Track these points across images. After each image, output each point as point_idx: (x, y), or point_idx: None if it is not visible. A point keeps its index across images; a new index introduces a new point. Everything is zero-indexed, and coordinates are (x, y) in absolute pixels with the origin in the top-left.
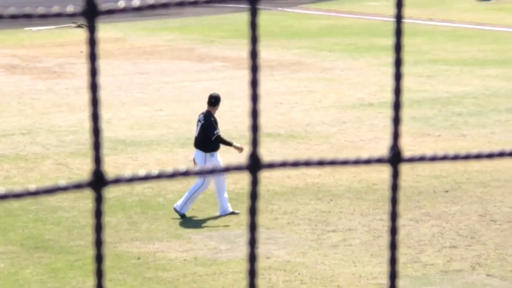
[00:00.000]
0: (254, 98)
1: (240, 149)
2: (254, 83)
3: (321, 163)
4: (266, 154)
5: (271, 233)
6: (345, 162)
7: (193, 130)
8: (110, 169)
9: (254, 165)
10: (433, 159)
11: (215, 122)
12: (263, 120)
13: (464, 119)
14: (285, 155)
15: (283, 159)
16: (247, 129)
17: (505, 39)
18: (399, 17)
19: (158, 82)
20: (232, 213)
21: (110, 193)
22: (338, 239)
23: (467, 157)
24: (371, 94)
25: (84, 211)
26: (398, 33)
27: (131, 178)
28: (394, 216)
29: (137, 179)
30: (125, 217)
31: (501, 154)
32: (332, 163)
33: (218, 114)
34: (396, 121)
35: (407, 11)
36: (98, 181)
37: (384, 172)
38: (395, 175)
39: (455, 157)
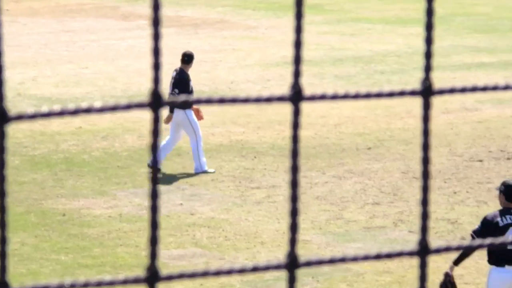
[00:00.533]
0: None
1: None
2: None
3: (356, 96)
4: None
5: (195, 190)
6: (379, 95)
7: (118, 89)
8: (36, 126)
9: (295, 96)
10: (464, 90)
11: (188, 80)
12: None
13: (387, 77)
14: (209, 112)
15: (209, 117)
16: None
17: None
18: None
19: (84, 40)
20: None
21: (35, 150)
22: (262, 195)
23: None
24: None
25: None
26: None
27: (34, 114)
28: (425, 147)
29: (40, 115)
30: (50, 174)
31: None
32: (367, 95)
33: (141, 72)
34: (428, 55)
35: None
36: (1, 118)
37: (308, 130)
38: (426, 107)
39: (484, 88)
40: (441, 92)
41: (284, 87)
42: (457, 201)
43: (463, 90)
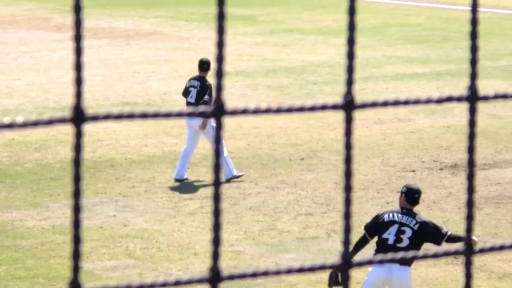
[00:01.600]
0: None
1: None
2: None
3: (278, 111)
4: (123, 123)
5: (128, 201)
6: (300, 109)
7: (51, 100)
8: None
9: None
10: (385, 104)
11: (211, 86)
12: (120, 89)
13: (320, 87)
14: (141, 123)
15: (142, 128)
16: (104, 99)
17: (361, 9)
18: (474, 7)
19: (16, 52)
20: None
21: None
22: (195, 207)
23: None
24: (228, 63)
25: None
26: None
27: None
28: (348, 159)
29: None
30: None
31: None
32: (289, 110)
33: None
34: (350, 69)
35: None
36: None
37: (240, 141)
38: (349, 120)
39: (405, 102)
40: (363, 106)
41: None
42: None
43: (385, 104)
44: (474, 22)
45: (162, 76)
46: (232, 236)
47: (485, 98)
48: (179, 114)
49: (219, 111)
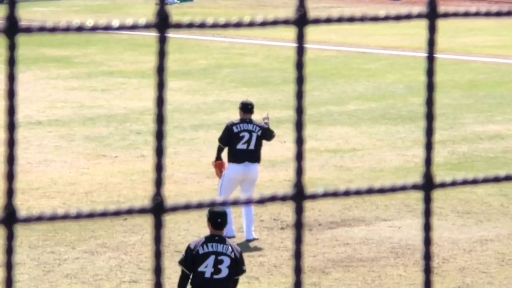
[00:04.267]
0: None
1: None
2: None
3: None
4: None
5: None
6: (250, 25)
7: None
8: None
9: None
10: (340, 20)
11: None
12: None
13: (144, 137)
14: None
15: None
16: None
17: (189, 48)
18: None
19: None
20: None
21: None
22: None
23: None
24: (40, 111)
25: None
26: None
27: None
28: (300, 80)
29: None
30: None
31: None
32: (237, 25)
33: None
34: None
35: (75, 19)
36: None
37: (55, 199)
38: (301, 37)
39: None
40: (319, 21)
41: (28, 151)
42: None
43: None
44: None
45: None
46: None
47: (445, 15)
48: None
49: (303, 20)
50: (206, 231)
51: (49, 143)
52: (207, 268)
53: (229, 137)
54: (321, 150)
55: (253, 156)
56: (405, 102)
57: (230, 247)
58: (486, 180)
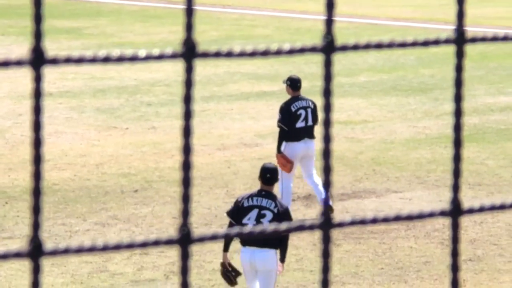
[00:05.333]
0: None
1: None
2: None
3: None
4: None
5: None
6: (278, 52)
7: None
8: None
9: None
10: (367, 47)
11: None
12: None
13: (155, 109)
14: None
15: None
16: None
17: (200, 19)
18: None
19: None
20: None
21: None
22: (16, 246)
23: None
24: (50, 82)
25: None
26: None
27: None
28: (328, 107)
29: None
30: None
31: None
32: (264, 53)
33: None
34: (330, 5)
35: None
36: None
37: (66, 171)
38: (328, 64)
39: None
40: (347, 48)
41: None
42: (236, 249)
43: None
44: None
45: None
46: (58, 279)
47: (473, 40)
48: None
49: (330, 47)
50: (216, 203)
51: (60, 114)
52: (249, 220)
53: (289, 118)
54: (331, 121)
55: (311, 132)
56: (416, 73)
57: (274, 203)
58: None
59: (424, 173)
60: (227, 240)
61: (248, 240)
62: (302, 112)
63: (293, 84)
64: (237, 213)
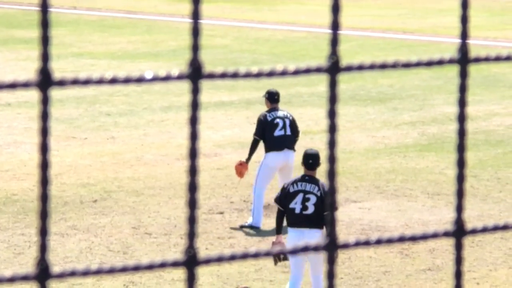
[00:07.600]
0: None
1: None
2: None
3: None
4: None
5: None
6: (283, 73)
7: None
8: None
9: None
10: (372, 67)
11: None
12: None
13: (114, 119)
14: None
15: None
16: None
17: (159, 29)
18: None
19: None
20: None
21: None
22: None
23: None
24: (9, 92)
25: None
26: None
27: None
28: (333, 128)
29: None
30: None
31: None
32: (270, 74)
33: None
34: (335, 26)
35: None
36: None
37: (25, 181)
38: (333, 85)
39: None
40: (352, 68)
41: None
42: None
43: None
44: None
45: None
46: None
47: (477, 60)
48: None
49: (335, 68)
50: (176, 213)
51: (19, 124)
52: (296, 205)
53: (263, 127)
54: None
55: (290, 142)
56: (375, 83)
57: (317, 187)
58: None
59: (383, 182)
60: (279, 223)
61: (296, 221)
62: (280, 121)
63: (271, 96)
64: (284, 198)
